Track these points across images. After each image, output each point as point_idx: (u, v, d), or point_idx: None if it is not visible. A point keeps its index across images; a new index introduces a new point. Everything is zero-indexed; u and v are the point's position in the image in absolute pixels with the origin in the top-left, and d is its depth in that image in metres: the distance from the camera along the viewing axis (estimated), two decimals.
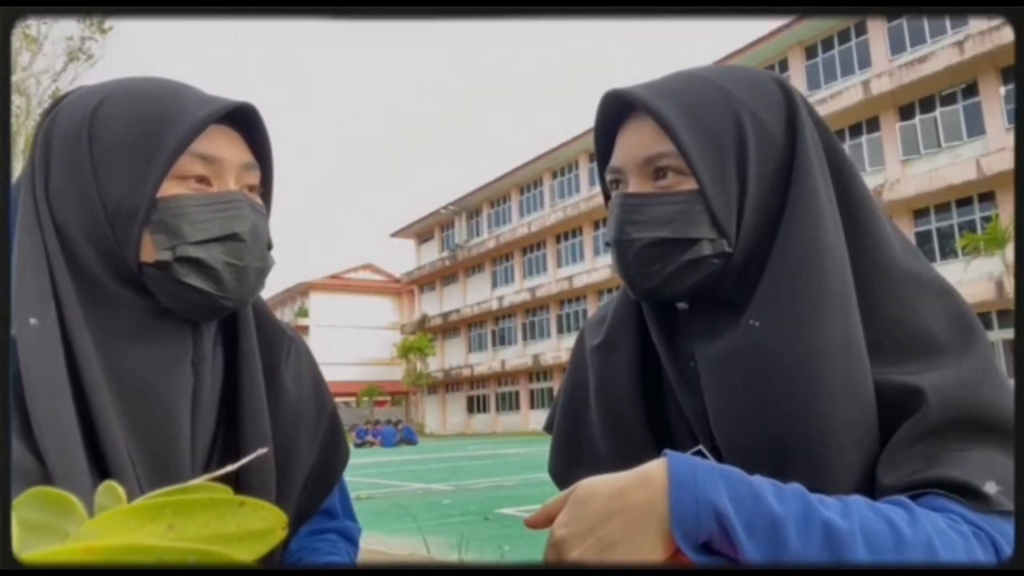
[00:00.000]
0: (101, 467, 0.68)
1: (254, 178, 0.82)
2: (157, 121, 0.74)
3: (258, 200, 0.83)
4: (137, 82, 0.80)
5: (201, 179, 0.76)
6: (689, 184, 0.73)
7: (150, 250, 0.74)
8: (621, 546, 0.58)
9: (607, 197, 0.85)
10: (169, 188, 0.74)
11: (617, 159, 0.79)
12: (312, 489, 0.88)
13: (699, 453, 0.76)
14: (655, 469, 0.60)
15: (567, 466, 0.88)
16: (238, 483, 0.77)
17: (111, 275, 0.74)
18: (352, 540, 0.95)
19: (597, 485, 0.61)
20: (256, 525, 0.30)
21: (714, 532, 0.57)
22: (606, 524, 0.59)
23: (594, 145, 0.85)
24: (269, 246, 0.81)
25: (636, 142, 0.77)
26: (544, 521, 0.63)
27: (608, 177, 0.82)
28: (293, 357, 0.89)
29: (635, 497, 0.59)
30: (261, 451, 0.42)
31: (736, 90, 0.75)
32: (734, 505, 0.57)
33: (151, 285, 0.75)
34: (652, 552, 0.57)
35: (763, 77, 0.79)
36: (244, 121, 0.80)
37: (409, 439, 27.66)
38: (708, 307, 0.77)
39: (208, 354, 0.80)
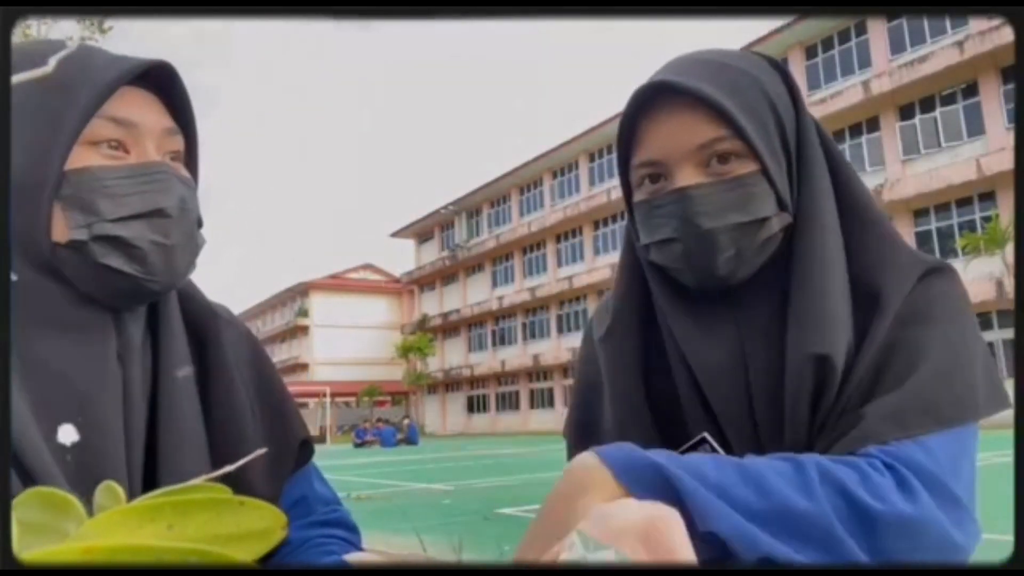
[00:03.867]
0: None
1: (177, 144, 0.74)
2: (61, 83, 0.66)
3: (184, 171, 0.75)
4: (35, 45, 0.72)
5: (116, 145, 0.69)
6: (746, 166, 0.75)
7: (62, 229, 0.66)
8: (570, 516, 0.59)
9: (628, 194, 0.83)
10: (81, 156, 0.67)
11: (656, 151, 0.77)
12: (271, 469, 0.81)
13: (703, 442, 0.76)
14: (581, 455, 0.63)
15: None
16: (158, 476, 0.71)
17: (19, 258, 0.66)
18: (354, 528, 0.88)
19: None
20: (255, 525, 0.30)
21: (655, 481, 0.59)
22: (552, 510, 0.61)
23: (618, 141, 0.82)
24: (199, 223, 0.74)
25: (682, 131, 0.75)
26: None
27: (643, 171, 0.79)
28: (228, 340, 0.82)
29: (572, 471, 0.62)
30: (260, 451, 0.41)
31: (754, 70, 0.78)
32: (659, 458, 0.61)
33: (66, 268, 0.67)
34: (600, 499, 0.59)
35: (758, 58, 0.82)
36: (162, 84, 0.73)
37: (411, 439, 27.62)
38: (756, 285, 0.79)
39: (136, 344, 0.72)
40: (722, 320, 0.80)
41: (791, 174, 0.77)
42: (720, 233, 0.74)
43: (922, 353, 0.70)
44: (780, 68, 0.82)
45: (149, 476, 0.72)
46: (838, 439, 0.68)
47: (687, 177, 0.75)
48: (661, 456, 0.61)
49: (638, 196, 0.80)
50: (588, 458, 0.62)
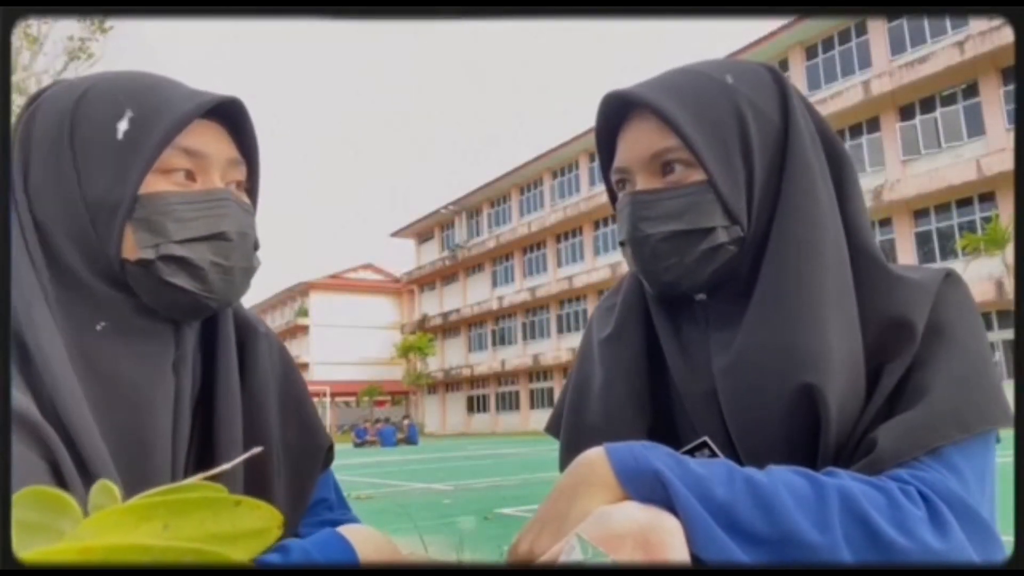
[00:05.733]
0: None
1: (240, 174, 0.80)
2: (141, 113, 0.73)
3: (245, 198, 0.81)
4: (120, 76, 0.77)
5: (187, 174, 0.74)
6: (697, 176, 0.75)
7: (132, 248, 0.72)
8: (571, 510, 0.60)
9: (613, 199, 0.86)
10: (153, 183, 0.72)
11: (622, 159, 0.80)
12: (294, 478, 0.85)
13: (704, 445, 0.75)
14: (591, 450, 0.63)
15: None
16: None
17: (93, 272, 0.72)
18: None
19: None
20: (252, 524, 0.30)
21: (656, 489, 0.59)
22: (553, 501, 0.62)
23: (596, 148, 0.85)
24: (256, 246, 0.79)
25: (640, 140, 0.78)
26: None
27: (614, 177, 0.83)
28: (264, 351, 0.87)
29: (579, 467, 0.62)
30: (256, 449, 0.41)
31: (731, 79, 0.78)
32: (665, 467, 0.60)
33: (133, 283, 0.73)
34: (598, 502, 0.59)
35: (753, 65, 0.82)
36: (230, 116, 0.78)
37: (411, 439, 27.61)
38: (726, 296, 0.78)
39: (189, 356, 0.78)
40: (694, 331, 0.80)
41: (752, 188, 0.75)
42: (660, 239, 0.75)
43: (940, 365, 0.69)
44: (779, 81, 0.80)
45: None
46: (861, 458, 0.66)
47: (643, 183, 0.78)
48: (670, 464, 0.60)
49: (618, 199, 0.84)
50: (596, 456, 0.62)
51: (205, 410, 0.78)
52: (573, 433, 0.88)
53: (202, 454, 0.77)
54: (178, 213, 0.72)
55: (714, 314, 0.79)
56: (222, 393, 0.78)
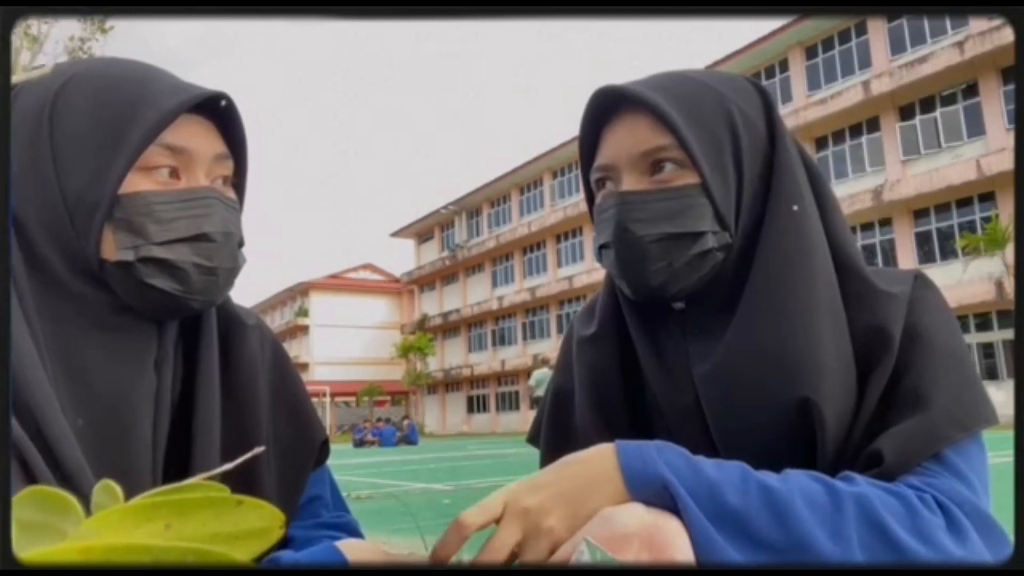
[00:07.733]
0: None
1: (227, 169, 0.77)
2: (123, 109, 0.69)
3: (230, 193, 0.78)
4: (103, 64, 0.75)
5: (170, 172, 0.72)
6: (688, 178, 0.73)
7: (112, 248, 0.69)
8: (584, 493, 0.59)
9: (590, 200, 0.84)
10: (135, 182, 0.69)
11: (607, 156, 0.78)
12: (285, 470, 0.84)
13: None
14: (603, 446, 0.62)
15: None
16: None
17: (71, 270, 0.69)
18: (359, 536, 0.89)
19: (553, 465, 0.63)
20: (254, 524, 0.30)
21: (664, 498, 0.58)
22: (565, 471, 0.61)
23: (579, 145, 0.82)
24: (240, 244, 0.76)
25: (630, 137, 0.75)
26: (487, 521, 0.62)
27: (595, 176, 0.80)
28: (252, 344, 0.84)
29: (588, 455, 0.61)
30: (258, 449, 0.41)
31: (721, 87, 0.77)
32: (676, 477, 0.59)
33: (113, 283, 0.70)
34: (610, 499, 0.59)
35: (739, 77, 0.81)
36: (218, 110, 0.75)
37: (411, 439, 27.58)
38: (705, 305, 0.77)
39: (170, 354, 0.76)
40: (669, 340, 0.79)
41: (741, 195, 0.75)
42: (650, 241, 0.73)
43: (928, 369, 0.69)
44: (764, 95, 0.80)
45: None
46: (861, 469, 0.66)
47: (630, 183, 0.75)
48: (681, 468, 0.59)
49: (596, 201, 0.81)
50: (607, 456, 0.61)
51: (185, 408, 0.76)
52: (552, 442, 0.88)
53: (180, 453, 0.75)
54: (159, 214, 0.69)
55: (692, 323, 0.77)
56: (202, 391, 0.76)
